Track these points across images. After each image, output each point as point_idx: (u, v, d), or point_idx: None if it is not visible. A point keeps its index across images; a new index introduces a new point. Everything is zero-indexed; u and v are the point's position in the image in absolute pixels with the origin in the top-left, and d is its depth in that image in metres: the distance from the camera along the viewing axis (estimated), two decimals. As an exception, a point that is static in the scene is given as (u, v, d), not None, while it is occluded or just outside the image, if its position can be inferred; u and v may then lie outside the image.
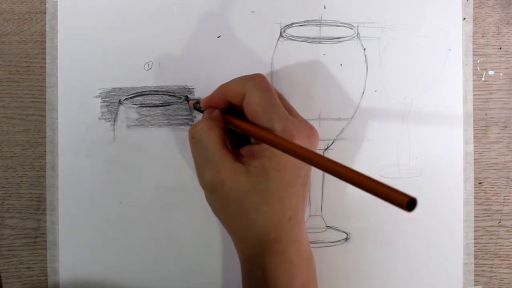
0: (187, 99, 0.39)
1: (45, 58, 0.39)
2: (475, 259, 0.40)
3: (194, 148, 0.34)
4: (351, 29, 0.40)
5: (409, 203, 0.23)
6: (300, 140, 0.32)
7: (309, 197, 0.40)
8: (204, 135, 0.33)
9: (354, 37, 0.40)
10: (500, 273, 0.41)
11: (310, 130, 0.34)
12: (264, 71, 0.39)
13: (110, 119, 0.39)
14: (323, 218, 0.40)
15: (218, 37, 0.39)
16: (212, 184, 0.32)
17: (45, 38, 0.39)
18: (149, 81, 0.39)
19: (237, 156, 0.33)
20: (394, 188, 0.24)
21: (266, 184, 0.32)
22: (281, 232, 0.33)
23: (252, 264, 0.33)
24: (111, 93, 0.39)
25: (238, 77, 0.34)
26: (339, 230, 0.40)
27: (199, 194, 0.34)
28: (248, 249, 0.33)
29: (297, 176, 0.33)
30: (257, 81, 0.33)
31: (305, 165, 0.34)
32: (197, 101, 0.38)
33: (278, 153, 0.31)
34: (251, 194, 0.32)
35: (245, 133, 0.33)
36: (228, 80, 0.35)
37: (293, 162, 0.32)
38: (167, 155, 0.39)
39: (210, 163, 0.32)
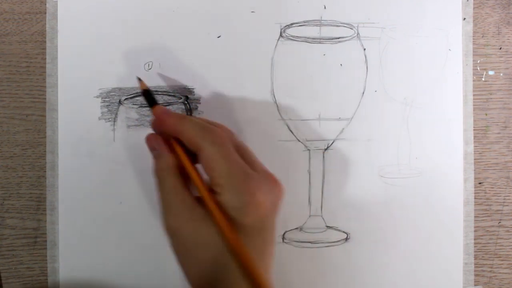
0: (187, 99, 0.39)
1: (45, 58, 0.39)
2: (475, 259, 0.40)
3: (157, 190, 0.32)
4: (351, 29, 0.40)
5: None
6: (261, 195, 0.30)
7: (309, 197, 0.40)
8: (164, 178, 0.31)
9: (354, 37, 0.40)
10: (500, 273, 0.41)
11: (273, 183, 0.32)
12: (264, 71, 0.39)
13: (110, 119, 0.39)
14: (323, 218, 0.40)
15: (218, 37, 0.39)
16: (170, 229, 0.31)
17: (45, 38, 0.39)
18: (149, 81, 0.39)
19: (199, 200, 0.31)
20: None
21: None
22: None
23: None
24: (111, 93, 0.39)
25: (195, 123, 0.32)
26: (339, 230, 0.40)
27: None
28: None
29: (260, 230, 0.31)
30: (214, 136, 0.31)
31: (270, 218, 0.32)
32: (148, 89, 0.35)
33: (237, 207, 0.30)
34: (208, 245, 0.30)
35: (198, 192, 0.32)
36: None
37: (256, 215, 0.30)
38: (167, 155, 0.39)
39: (169, 208, 0.31)
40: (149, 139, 0.34)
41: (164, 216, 0.31)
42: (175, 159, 0.32)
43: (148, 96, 0.35)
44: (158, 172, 0.32)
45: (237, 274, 0.30)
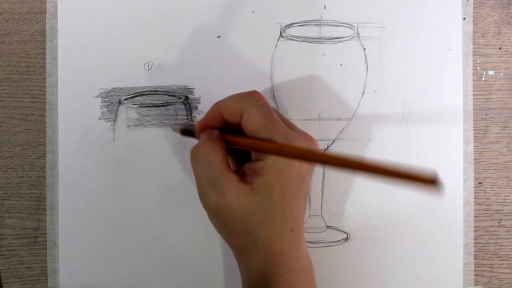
0: (187, 99, 0.39)
1: (45, 58, 0.39)
2: (475, 259, 0.40)
3: (197, 170, 0.33)
4: (351, 29, 0.40)
5: (434, 182, 0.22)
6: None
7: (309, 198, 0.40)
8: (208, 156, 0.32)
9: (354, 37, 0.40)
10: (500, 273, 0.41)
11: (310, 142, 0.34)
12: (264, 71, 0.39)
13: (110, 119, 0.39)
14: (323, 218, 0.40)
15: (218, 37, 0.39)
16: (216, 207, 0.32)
17: (45, 38, 0.39)
18: (149, 81, 0.39)
19: (241, 175, 0.33)
20: (415, 171, 0.23)
21: (270, 200, 0.32)
22: (283, 244, 0.33)
23: (253, 274, 0.33)
24: (111, 93, 0.39)
25: (234, 95, 0.34)
26: (339, 230, 0.40)
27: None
28: (251, 262, 0.33)
29: (299, 189, 0.33)
30: (254, 98, 0.33)
31: (307, 177, 0.34)
32: (184, 127, 0.37)
33: (282, 168, 0.31)
34: (256, 212, 0.32)
35: (248, 149, 0.33)
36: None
37: (296, 176, 0.32)
38: (167, 155, 0.39)
39: (214, 186, 0.32)
40: (198, 127, 0.35)
41: (209, 195, 0.32)
42: (220, 139, 0.33)
43: (188, 133, 0.36)
44: (203, 152, 0.33)
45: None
